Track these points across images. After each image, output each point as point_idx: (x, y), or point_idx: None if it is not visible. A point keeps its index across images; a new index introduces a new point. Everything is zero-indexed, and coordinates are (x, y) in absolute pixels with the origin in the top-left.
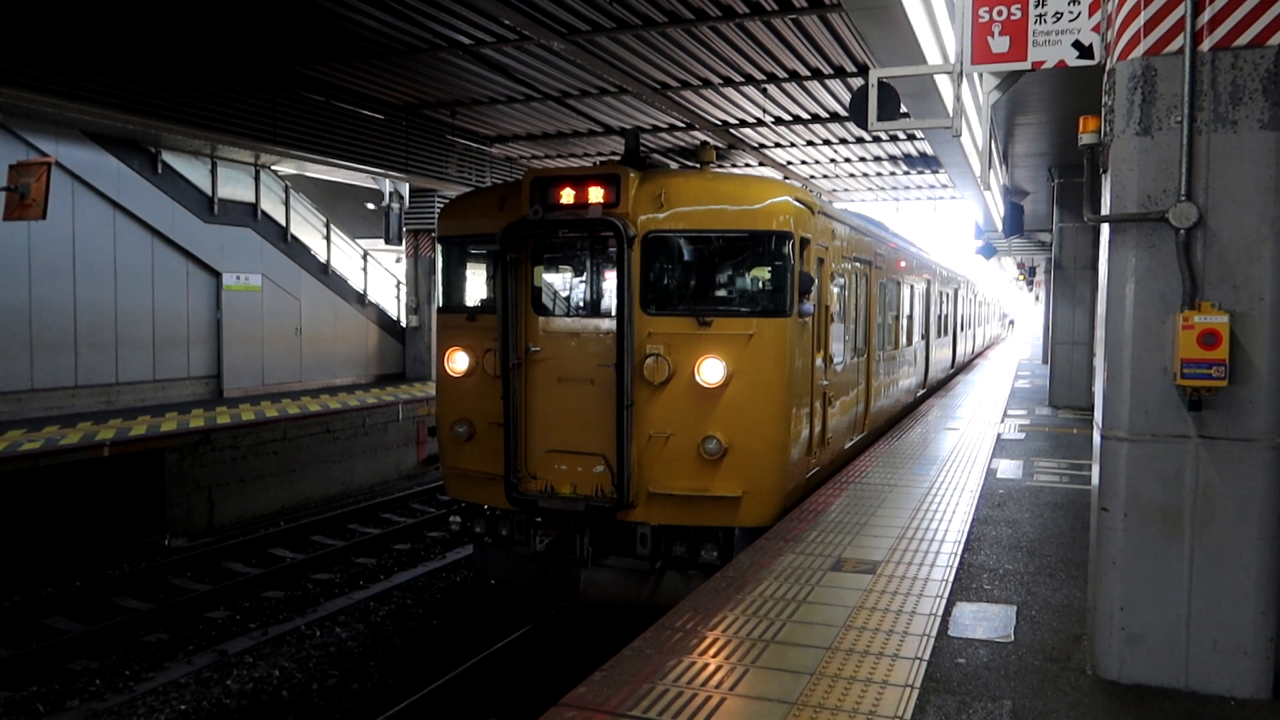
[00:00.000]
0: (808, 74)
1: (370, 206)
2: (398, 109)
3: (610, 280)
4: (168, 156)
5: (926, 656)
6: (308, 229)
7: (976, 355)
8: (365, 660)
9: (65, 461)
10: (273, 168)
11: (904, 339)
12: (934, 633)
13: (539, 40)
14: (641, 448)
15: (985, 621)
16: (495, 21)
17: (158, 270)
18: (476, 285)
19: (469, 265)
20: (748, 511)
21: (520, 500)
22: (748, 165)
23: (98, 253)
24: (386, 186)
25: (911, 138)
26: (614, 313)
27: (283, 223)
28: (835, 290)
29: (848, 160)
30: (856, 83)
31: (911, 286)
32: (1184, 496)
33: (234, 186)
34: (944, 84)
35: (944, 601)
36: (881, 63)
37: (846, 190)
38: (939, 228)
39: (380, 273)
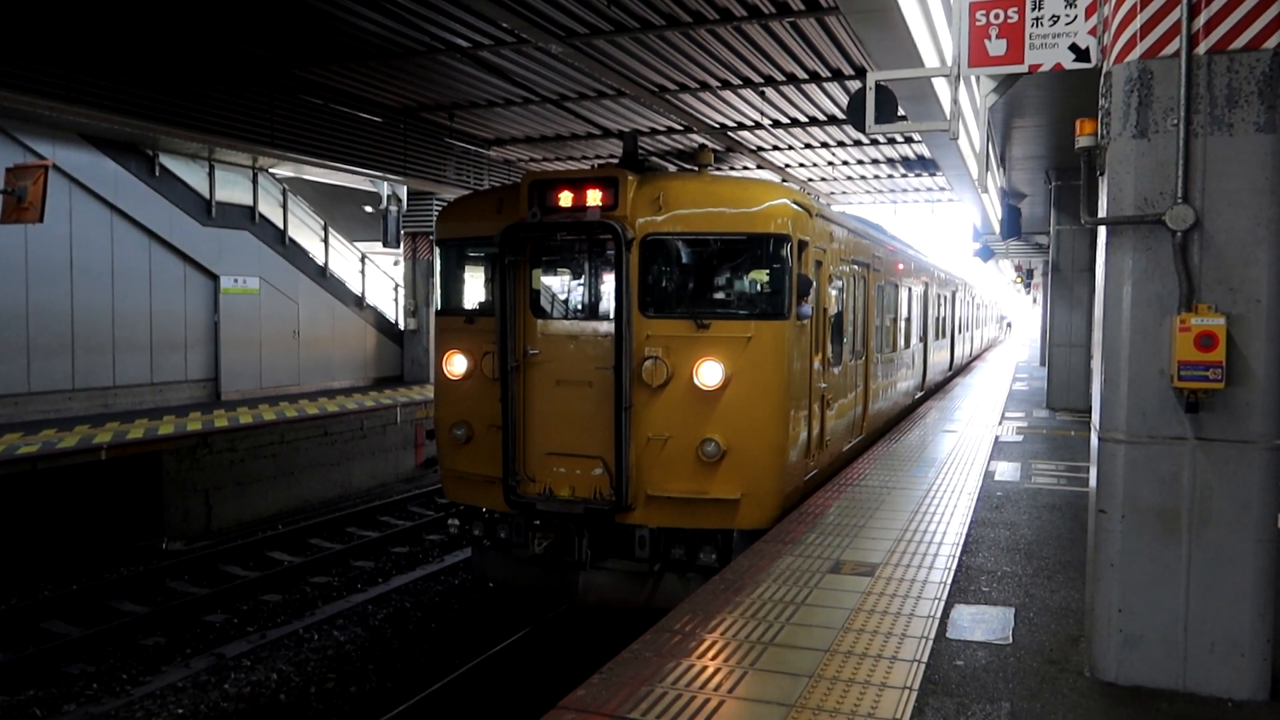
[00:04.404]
0: (805, 77)
1: (368, 209)
2: (396, 112)
3: (608, 283)
4: (165, 159)
5: (925, 659)
6: (306, 232)
7: (974, 358)
8: (363, 663)
9: (62, 465)
10: (270, 171)
11: (902, 341)
12: (932, 635)
13: (537, 43)
14: (640, 450)
15: (983, 623)
16: (493, 24)
17: (155, 273)
18: (475, 288)
19: (467, 268)
20: (746, 514)
21: (519, 503)
22: (746, 168)
23: (95, 256)
24: (384, 189)
25: (909, 140)
26: (612, 315)
27: (280, 226)
28: (833, 293)
29: (845, 163)
30: (854, 85)
31: (909, 289)
32: (1181, 498)
33: (232, 189)
34: (941, 87)
35: (942, 604)
36: (879, 66)
37: (844, 193)
38: (937, 230)
39: (378, 275)
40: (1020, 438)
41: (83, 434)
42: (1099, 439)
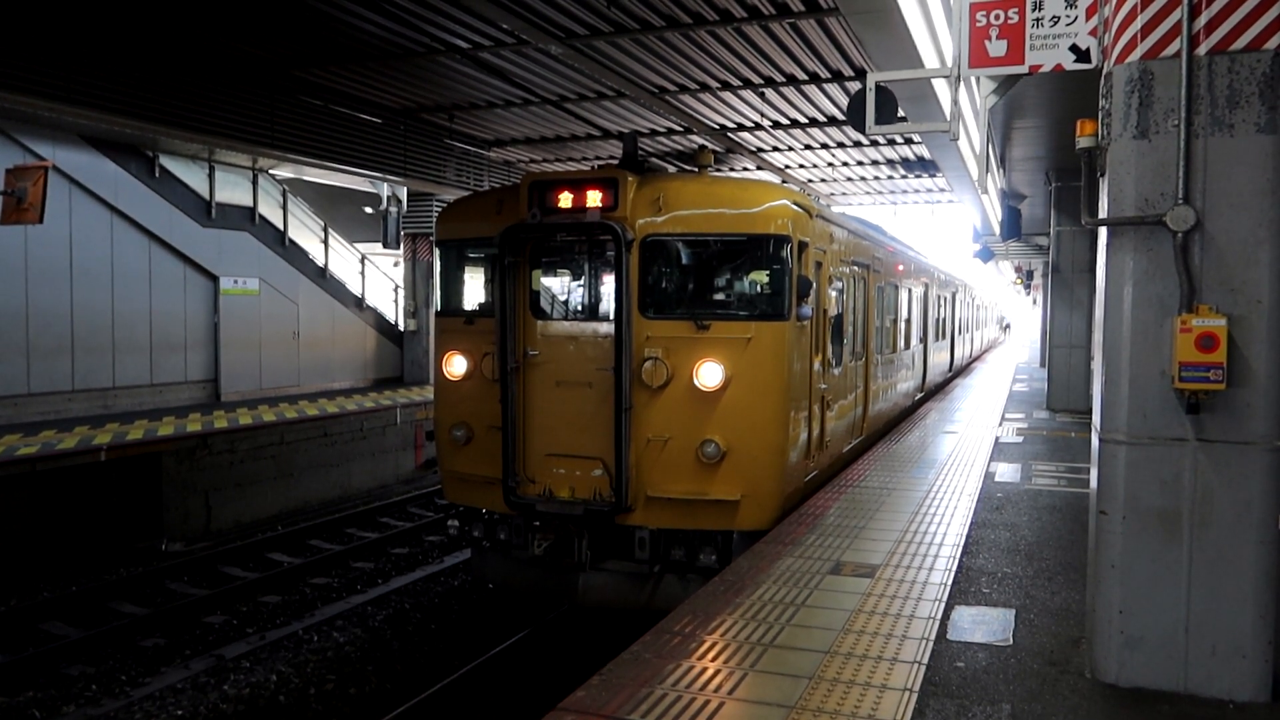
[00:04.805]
0: (805, 78)
1: (368, 210)
2: (396, 113)
3: (608, 284)
4: (165, 160)
5: (925, 660)
6: (305, 233)
7: (974, 359)
8: (363, 665)
9: (62, 466)
10: (270, 172)
11: (902, 342)
12: (933, 636)
13: (537, 44)
14: (640, 451)
15: (984, 625)
16: (493, 26)
17: (155, 274)
18: (474, 289)
19: (467, 269)
20: (746, 515)
21: (518, 504)
22: (746, 169)
23: (95, 257)
24: (384, 190)
25: (909, 141)
26: (612, 316)
27: (280, 227)
28: (833, 294)
29: (845, 164)
30: (854, 87)
31: (909, 290)
32: (1182, 499)
33: (232, 190)
34: (941, 88)
35: (943, 605)
36: (879, 67)
37: (844, 194)
38: (937, 231)
39: (378, 276)
40: (1020, 439)
41: (82, 435)
42: (1100, 440)
